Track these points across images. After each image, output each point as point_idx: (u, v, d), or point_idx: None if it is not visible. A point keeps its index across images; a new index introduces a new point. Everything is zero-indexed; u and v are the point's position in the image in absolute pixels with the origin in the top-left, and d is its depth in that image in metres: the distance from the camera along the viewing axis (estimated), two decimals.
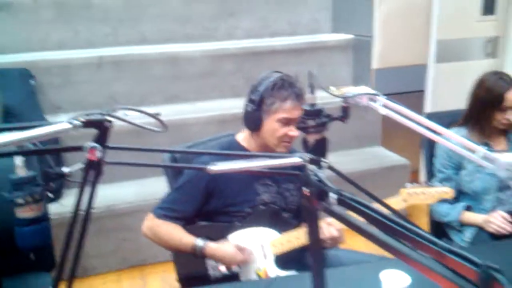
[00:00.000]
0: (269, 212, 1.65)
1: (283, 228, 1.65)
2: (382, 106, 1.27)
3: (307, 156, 0.93)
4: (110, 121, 0.88)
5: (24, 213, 1.04)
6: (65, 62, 3.23)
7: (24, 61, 3.14)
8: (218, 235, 1.61)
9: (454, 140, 1.21)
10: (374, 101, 1.29)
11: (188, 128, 3.13)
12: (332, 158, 3.48)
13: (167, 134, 3.02)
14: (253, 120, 1.61)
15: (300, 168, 0.93)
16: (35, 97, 3.06)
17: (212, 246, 1.55)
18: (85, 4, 3.51)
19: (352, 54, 3.74)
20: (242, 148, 1.71)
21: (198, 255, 1.54)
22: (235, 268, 1.59)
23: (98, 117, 0.87)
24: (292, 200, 1.75)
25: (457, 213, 1.99)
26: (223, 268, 1.58)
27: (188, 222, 1.63)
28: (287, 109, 1.57)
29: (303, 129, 1.37)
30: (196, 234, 1.59)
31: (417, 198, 1.63)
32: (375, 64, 3.50)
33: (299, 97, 1.59)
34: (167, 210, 1.62)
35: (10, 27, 3.39)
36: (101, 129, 0.88)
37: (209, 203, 1.63)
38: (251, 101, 1.62)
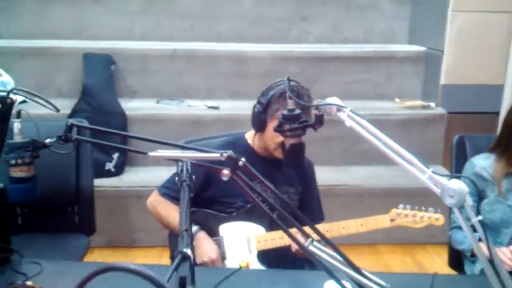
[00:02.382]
0: (260, 210, 1.73)
1: (272, 227, 1.72)
2: (348, 117, 1.29)
3: (228, 154, 1.02)
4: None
5: (15, 172, 1.26)
6: (143, 52, 3.56)
7: (109, 48, 3.52)
8: (211, 223, 1.73)
9: (407, 160, 1.20)
10: (342, 112, 1.31)
11: (244, 123, 3.28)
12: (385, 171, 3.40)
13: (224, 126, 3.22)
14: (257, 121, 1.71)
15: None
16: (113, 81, 3.42)
17: (200, 237, 1.67)
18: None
19: (423, 67, 3.61)
20: (247, 145, 1.81)
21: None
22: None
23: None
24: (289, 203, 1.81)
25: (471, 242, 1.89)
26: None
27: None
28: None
29: (280, 132, 1.44)
30: (192, 218, 1.73)
31: (405, 219, 1.60)
32: (444, 79, 3.35)
33: (303, 110, 1.64)
34: (169, 189, 1.78)
35: (102, 17, 3.81)
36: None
37: (207, 190, 1.76)
38: (259, 103, 1.72)
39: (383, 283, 1.03)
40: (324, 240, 1.07)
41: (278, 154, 1.71)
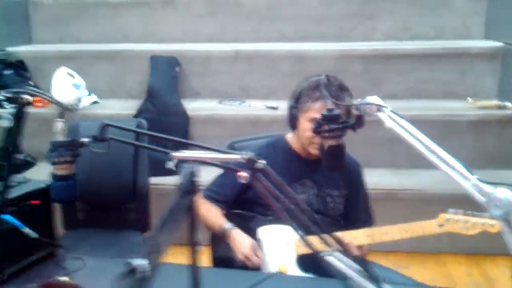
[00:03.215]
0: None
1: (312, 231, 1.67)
2: (389, 118, 1.21)
3: (248, 155, 0.99)
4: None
5: (57, 170, 1.32)
6: (207, 54, 3.64)
7: (174, 50, 3.64)
8: (250, 225, 1.71)
9: (451, 165, 1.10)
10: (383, 112, 1.24)
11: None
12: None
13: (282, 126, 3.19)
14: (290, 117, 1.67)
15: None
16: (177, 82, 3.52)
17: (233, 233, 1.66)
18: (233, 2, 3.87)
19: (500, 64, 3.34)
20: (287, 146, 1.77)
21: (222, 236, 1.67)
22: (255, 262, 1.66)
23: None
24: (333, 206, 1.75)
25: None
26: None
27: (228, 207, 1.77)
28: (317, 109, 1.59)
29: (319, 133, 1.39)
30: (231, 220, 1.72)
31: (455, 225, 1.48)
32: None
33: (332, 98, 1.58)
34: (211, 191, 1.79)
35: (170, 20, 3.94)
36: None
37: (247, 192, 1.75)
38: (291, 100, 1.68)
39: None
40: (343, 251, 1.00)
41: (313, 150, 1.65)
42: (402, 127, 1.18)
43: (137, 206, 2.38)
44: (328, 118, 1.37)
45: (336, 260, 0.95)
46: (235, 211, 1.79)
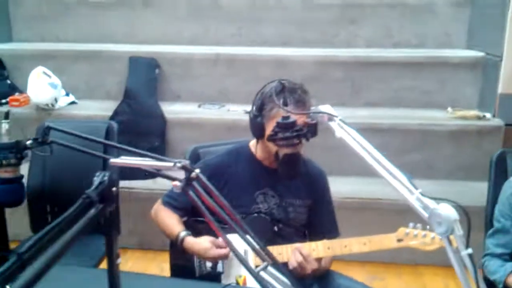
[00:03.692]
0: (260, 222, 1.65)
1: (274, 241, 1.63)
2: (339, 127, 1.18)
3: (182, 163, 0.95)
4: None
5: (1, 173, 1.27)
6: (187, 56, 3.59)
7: (154, 52, 3.59)
8: (210, 233, 1.66)
9: (396, 177, 1.06)
10: (333, 121, 1.20)
11: None
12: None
13: None
14: (255, 126, 1.61)
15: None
16: (155, 84, 3.47)
17: (189, 240, 1.61)
18: (215, 5, 3.83)
19: (481, 74, 3.32)
20: (250, 153, 1.73)
21: (178, 246, 1.62)
22: (219, 268, 1.63)
23: None
24: (294, 216, 1.70)
25: (504, 272, 1.68)
26: (208, 264, 1.64)
27: (187, 214, 1.73)
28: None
29: (274, 141, 1.35)
30: (190, 228, 1.68)
31: (414, 240, 1.45)
32: (502, 88, 3.06)
33: (298, 103, 1.54)
34: (170, 198, 1.74)
35: (152, 22, 3.90)
36: None
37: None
38: (253, 107, 1.63)
39: None
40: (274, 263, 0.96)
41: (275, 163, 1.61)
42: (352, 136, 1.14)
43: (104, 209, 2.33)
44: (283, 126, 1.33)
45: (268, 275, 0.91)
46: (195, 218, 1.74)
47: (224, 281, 1.62)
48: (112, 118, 3.27)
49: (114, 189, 0.76)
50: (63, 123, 2.88)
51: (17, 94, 3.53)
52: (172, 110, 3.40)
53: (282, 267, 0.92)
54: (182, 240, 1.62)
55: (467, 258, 0.92)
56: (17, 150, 1.27)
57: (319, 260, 1.54)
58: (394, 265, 2.90)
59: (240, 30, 3.83)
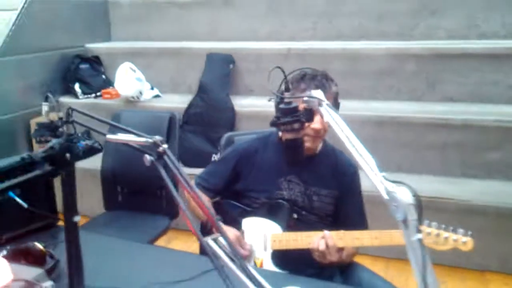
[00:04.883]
0: (280, 208, 1.67)
1: (295, 228, 1.65)
2: (326, 112, 1.18)
3: (154, 138, 1.04)
4: None
5: (40, 148, 1.47)
6: (260, 52, 3.69)
7: (230, 48, 3.75)
8: (237, 216, 1.74)
9: (365, 160, 1.03)
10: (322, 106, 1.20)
11: None
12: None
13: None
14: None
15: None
16: (228, 79, 3.62)
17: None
18: (292, 0, 3.87)
19: None
20: (278, 141, 1.75)
21: (208, 227, 1.71)
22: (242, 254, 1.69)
23: None
24: (319, 205, 1.70)
25: None
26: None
27: (218, 195, 1.82)
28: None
29: (275, 126, 1.38)
30: (217, 209, 1.77)
31: (427, 238, 1.37)
32: None
33: (318, 87, 1.56)
34: (202, 179, 1.84)
35: (232, 20, 4.06)
36: None
37: (236, 183, 1.77)
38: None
39: None
40: None
41: (306, 143, 1.62)
42: (335, 121, 1.13)
43: (166, 192, 2.52)
44: (285, 111, 1.36)
45: (215, 245, 0.95)
46: (227, 200, 1.83)
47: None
48: (187, 110, 3.50)
49: (67, 155, 0.86)
50: (133, 112, 3.15)
51: (110, 88, 3.92)
52: (243, 103, 3.53)
53: (227, 241, 0.95)
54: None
55: (417, 244, 0.89)
56: (52, 129, 1.46)
57: (340, 250, 1.53)
58: (460, 269, 2.72)
59: (315, 25, 3.83)
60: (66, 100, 3.93)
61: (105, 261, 1.53)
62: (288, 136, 1.37)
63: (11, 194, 1.59)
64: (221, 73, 3.61)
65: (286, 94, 1.40)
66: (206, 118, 3.41)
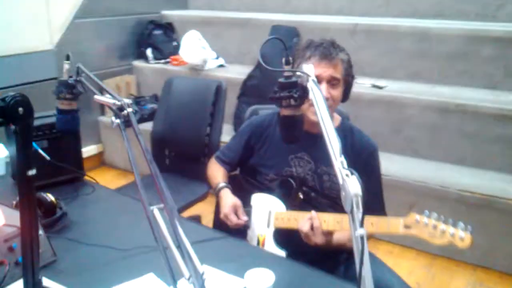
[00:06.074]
0: (287, 185, 1.62)
1: (302, 208, 1.59)
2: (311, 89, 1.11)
3: (121, 102, 1.04)
4: None
5: (59, 105, 1.55)
6: (325, 26, 3.56)
7: (296, 21, 3.66)
8: (249, 190, 1.71)
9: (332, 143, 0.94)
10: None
11: (405, 110, 2.96)
12: None
13: (385, 109, 3.05)
14: None
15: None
16: (289, 52, 3.51)
17: (223, 193, 1.67)
18: None
19: None
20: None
21: (215, 195, 1.72)
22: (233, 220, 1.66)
23: None
24: (330, 186, 1.63)
25: None
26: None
27: (234, 168, 1.81)
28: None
29: (272, 100, 1.33)
30: (234, 183, 1.76)
31: (423, 230, 1.25)
32: None
33: (324, 55, 1.50)
34: (221, 152, 1.84)
35: None
36: None
37: (250, 158, 1.74)
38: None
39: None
40: None
41: (310, 114, 1.57)
42: (316, 99, 1.06)
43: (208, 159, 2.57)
44: (283, 86, 1.30)
45: (159, 217, 0.94)
46: (243, 175, 1.81)
47: (249, 236, 1.66)
48: (245, 81, 3.49)
49: (20, 109, 0.89)
50: (184, 79, 3.19)
51: (178, 54, 4.03)
52: None
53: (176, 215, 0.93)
54: (219, 190, 1.71)
55: (358, 239, 0.81)
56: (69, 86, 1.52)
57: (328, 233, 1.46)
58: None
59: (388, 1, 3.60)
60: (138, 64, 4.12)
61: (110, 221, 1.60)
62: (286, 112, 1.30)
63: (35, 145, 1.72)
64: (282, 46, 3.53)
65: (286, 68, 1.32)
66: (262, 90, 3.37)
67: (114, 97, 1.08)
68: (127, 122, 1.04)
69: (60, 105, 1.56)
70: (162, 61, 4.09)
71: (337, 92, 1.58)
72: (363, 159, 1.62)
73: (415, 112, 2.91)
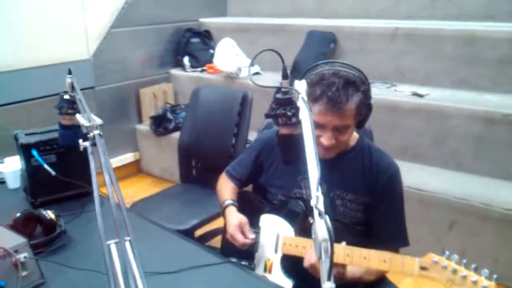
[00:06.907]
0: (295, 208, 1.49)
1: (308, 234, 1.46)
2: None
3: (91, 123, 0.97)
4: None
5: (62, 120, 1.52)
6: (364, 30, 3.38)
7: (333, 26, 3.50)
8: (257, 210, 1.61)
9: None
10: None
11: (446, 119, 2.74)
12: None
13: (426, 118, 2.87)
14: None
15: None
16: (325, 58, 3.37)
17: (229, 210, 1.57)
18: None
19: None
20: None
21: (221, 211, 1.62)
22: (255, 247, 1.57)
23: None
24: (343, 211, 1.48)
25: None
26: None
27: (243, 185, 1.71)
28: (316, 111, 1.35)
29: (269, 117, 1.22)
30: (241, 199, 1.65)
31: (441, 274, 1.08)
32: None
33: (332, 103, 1.32)
34: (231, 167, 1.74)
35: None
36: None
37: (259, 175, 1.64)
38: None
39: None
40: None
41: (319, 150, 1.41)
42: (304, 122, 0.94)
43: None
44: (280, 102, 1.19)
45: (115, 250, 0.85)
46: (254, 192, 1.71)
47: (256, 260, 1.55)
48: (277, 90, 3.37)
49: None
50: (211, 88, 3.12)
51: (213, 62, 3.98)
52: None
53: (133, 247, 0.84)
54: (225, 208, 1.61)
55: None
56: (70, 102, 1.48)
57: (341, 266, 1.30)
58: None
59: (433, 2, 3.36)
60: (175, 72, 4.11)
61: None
62: (284, 131, 1.19)
63: (40, 160, 1.69)
64: (319, 51, 3.40)
65: (284, 83, 1.20)
66: None
67: (87, 119, 1.01)
68: (94, 145, 0.97)
69: (62, 121, 1.53)
70: (199, 69, 4.06)
71: (346, 136, 1.42)
72: (382, 182, 1.46)
73: (459, 122, 2.68)
